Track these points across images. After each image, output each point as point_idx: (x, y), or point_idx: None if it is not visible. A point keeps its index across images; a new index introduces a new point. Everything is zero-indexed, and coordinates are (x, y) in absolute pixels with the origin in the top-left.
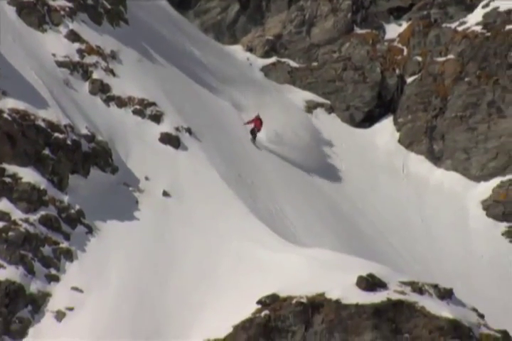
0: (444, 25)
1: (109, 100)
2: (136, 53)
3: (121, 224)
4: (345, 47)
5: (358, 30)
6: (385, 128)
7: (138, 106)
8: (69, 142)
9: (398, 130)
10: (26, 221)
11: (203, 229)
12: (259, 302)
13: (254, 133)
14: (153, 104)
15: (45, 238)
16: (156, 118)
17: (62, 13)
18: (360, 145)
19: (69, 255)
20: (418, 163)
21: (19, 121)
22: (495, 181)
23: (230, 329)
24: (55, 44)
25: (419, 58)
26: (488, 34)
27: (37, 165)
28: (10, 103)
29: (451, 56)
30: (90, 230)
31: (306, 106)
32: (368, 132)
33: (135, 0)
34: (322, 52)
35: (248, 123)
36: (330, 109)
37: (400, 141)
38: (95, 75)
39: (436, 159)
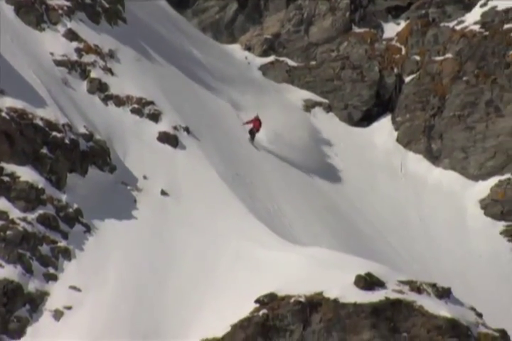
0: (442, 24)
1: (107, 99)
2: (134, 52)
3: (119, 223)
4: (344, 46)
5: (356, 29)
6: (383, 127)
7: (136, 105)
8: (67, 141)
9: (396, 129)
10: (24, 220)
11: (201, 228)
12: (257, 301)
13: (252, 133)
14: (152, 103)
15: (43, 237)
16: (154, 117)
17: (60, 12)
18: (358, 145)
19: (67, 254)
20: (416, 162)
21: (17, 120)
22: (493, 180)
23: (228, 328)
24: (53, 43)
25: (418, 57)
26: (486, 33)
27: (35, 164)
28: (8, 102)
29: (449, 55)
30: (88, 229)
31: (304, 105)
32: (366, 131)
33: None
34: (320, 51)
35: (247, 123)
36: (328, 108)
37: (398, 140)
38: (93, 74)
39: (434, 158)
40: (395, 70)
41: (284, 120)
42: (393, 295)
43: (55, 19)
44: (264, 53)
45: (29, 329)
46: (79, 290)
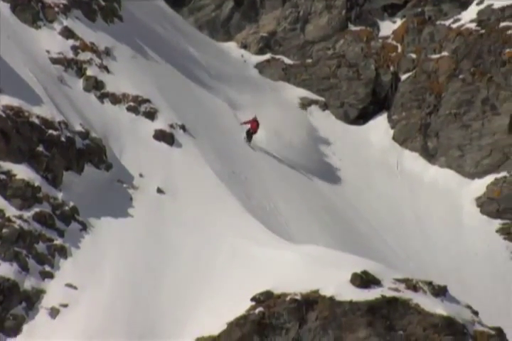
0: (438, 22)
1: (103, 97)
2: (130, 50)
3: (115, 221)
4: (340, 44)
5: (353, 28)
6: (379, 126)
7: (132, 103)
8: (63, 139)
9: (392, 127)
10: (20, 218)
11: (197, 227)
12: (253, 299)
13: (249, 134)
14: (148, 100)
15: (39, 235)
16: (150, 115)
17: (56, 9)
18: (354, 143)
19: (63, 252)
20: (412, 160)
21: (13, 117)
22: (489, 178)
23: (224, 326)
24: (50, 41)
25: (414, 55)
26: (483, 31)
27: (31, 162)
28: (4, 100)
29: (445, 53)
30: (84, 227)
31: (300, 103)
32: (362, 129)
33: None
34: (316, 49)
35: (245, 123)
36: (324, 106)
37: (394, 138)
38: (89, 72)
39: (430, 156)
40: (391, 68)
41: (282, 118)
42: (389, 293)
43: (51, 17)
44: (260, 51)
45: (25, 327)
46: (75, 287)
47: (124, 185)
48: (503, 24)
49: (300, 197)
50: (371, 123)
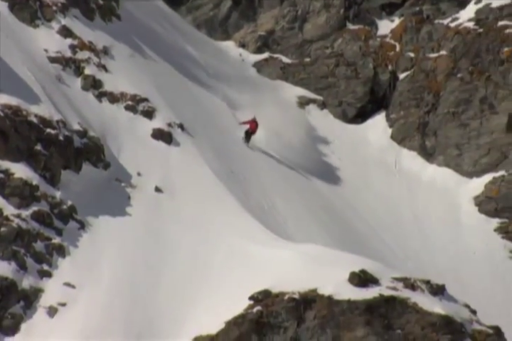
0: (436, 21)
1: (101, 96)
2: (128, 49)
3: (113, 219)
4: (338, 43)
5: (351, 26)
6: (378, 124)
7: (130, 102)
8: (61, 138)
9: (390, 126)
10: (18, 216)
11: (195, 225)
12: (251, 298)
13: (248, 135)
14: (146, 99)
15: (38, 234)
16: (149, 114)
17: (54, 8)
18: (352, 142)
19: (61, 251)
20: (410, 159)
21: (11, 116)
22: (487, 177)
23: (223, 325)
24: (48, 40)
25: (412, 54)
26: (481, 30)
27: (29, 160)
28: (2, 99)
29: (443, 52)
30: (82, 226)
31: (298, 102)
32: (361, 128)
33: None
34: (314, 48)
35: (244, 123)
36: (322, 105)
37: (392, 137)
38: (87, 71)
39: (428, 155)
40: (389, 67)
41: (280, 118)
42: (387, 292)
43: (50, 16)
44: (259, 50)
45: (23, 326)
46: (73, 286)
47: (122, 184)
48: (501, 23)
49: (298, 196)
50: (369, 122)
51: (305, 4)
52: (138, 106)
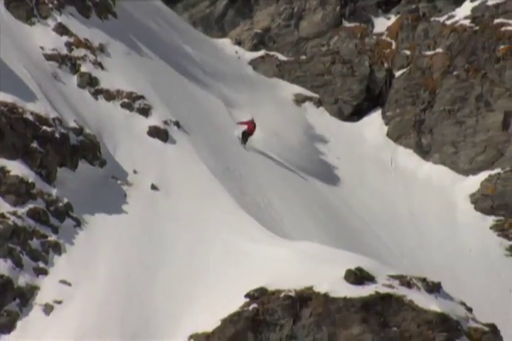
0: (432, 18)
1: (97, 93)
2: (124, 46)
3: (109, 217)
4: (334, 41)
5: (347, 24)
6: (374, 122)
7: (126, 100)
8: (57, 135)
9: (386, 124)
10: (14, 214)
11: (191, 223)
12: (247, 295)
13: (245, 135)
14: (142, 97)
15: (33, 231)
16: (145, 111)
17: (50, 6)
18: (348, 139)
19: (57, 248)
20: (406, 157)
21: (7, 114)
22: (483, 175)
23: (218, 323)
24: (44, 37)
25: (408, 52)
26: (477, 28)
27: (25, 158)
28: None
29: (439, 50)
30: (78, 223)
31: (294, 100)
32: (357, 126)
33: None
34: (310, 45)
35: (241, 123)
36: (318, 103)
37: (388, 135)
38: (83, 68)
39: (424, 153)
40: (385, 65)
41: (278, 116)
42: (383, 290)
43: (45, 13)
44: (255, 48)
45: (19, 324)
46: (69, 284)
47: (118, 182)
48: (497, 21)
49: (295, 193)
50: (365, 119)
51: (301, 2)
52: (134, 103)
